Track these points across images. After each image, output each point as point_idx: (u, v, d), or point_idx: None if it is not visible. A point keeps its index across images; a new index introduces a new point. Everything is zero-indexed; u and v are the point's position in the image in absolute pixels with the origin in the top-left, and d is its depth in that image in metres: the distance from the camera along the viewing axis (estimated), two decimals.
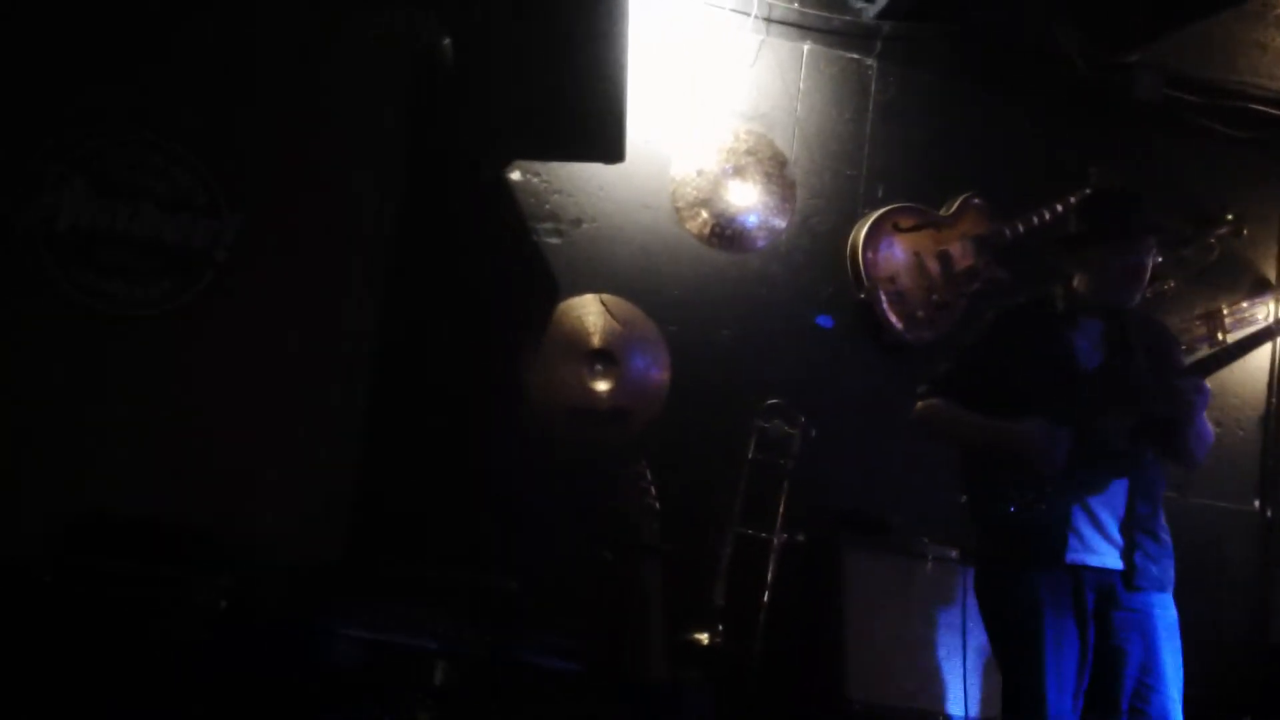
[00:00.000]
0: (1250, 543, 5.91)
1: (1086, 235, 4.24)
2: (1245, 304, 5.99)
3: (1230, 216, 6.00)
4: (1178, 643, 4.09)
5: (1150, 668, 4.02)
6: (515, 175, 5.43)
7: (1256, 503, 5.33)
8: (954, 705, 5.10)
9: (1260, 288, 6.08)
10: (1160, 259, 4.48)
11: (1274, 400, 5.99)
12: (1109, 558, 4.05)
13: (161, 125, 4.49)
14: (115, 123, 4.47)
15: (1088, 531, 4.06)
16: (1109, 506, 4.11)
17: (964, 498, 4.30)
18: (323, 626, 4.23)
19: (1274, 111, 6.10)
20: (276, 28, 4.62)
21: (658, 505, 4.95)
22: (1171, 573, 4.16)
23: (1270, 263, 6.07)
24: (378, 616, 4.37)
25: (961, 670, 5.12)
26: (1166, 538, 4.16)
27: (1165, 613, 4.10)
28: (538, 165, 5.43)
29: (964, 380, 4.31)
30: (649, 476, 4.98)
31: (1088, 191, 5.61)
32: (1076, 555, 4.02)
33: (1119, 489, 4.10)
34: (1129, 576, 4.04)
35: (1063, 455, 4.05)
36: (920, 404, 4.39)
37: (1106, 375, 4.16)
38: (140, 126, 4.48)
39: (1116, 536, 4.08)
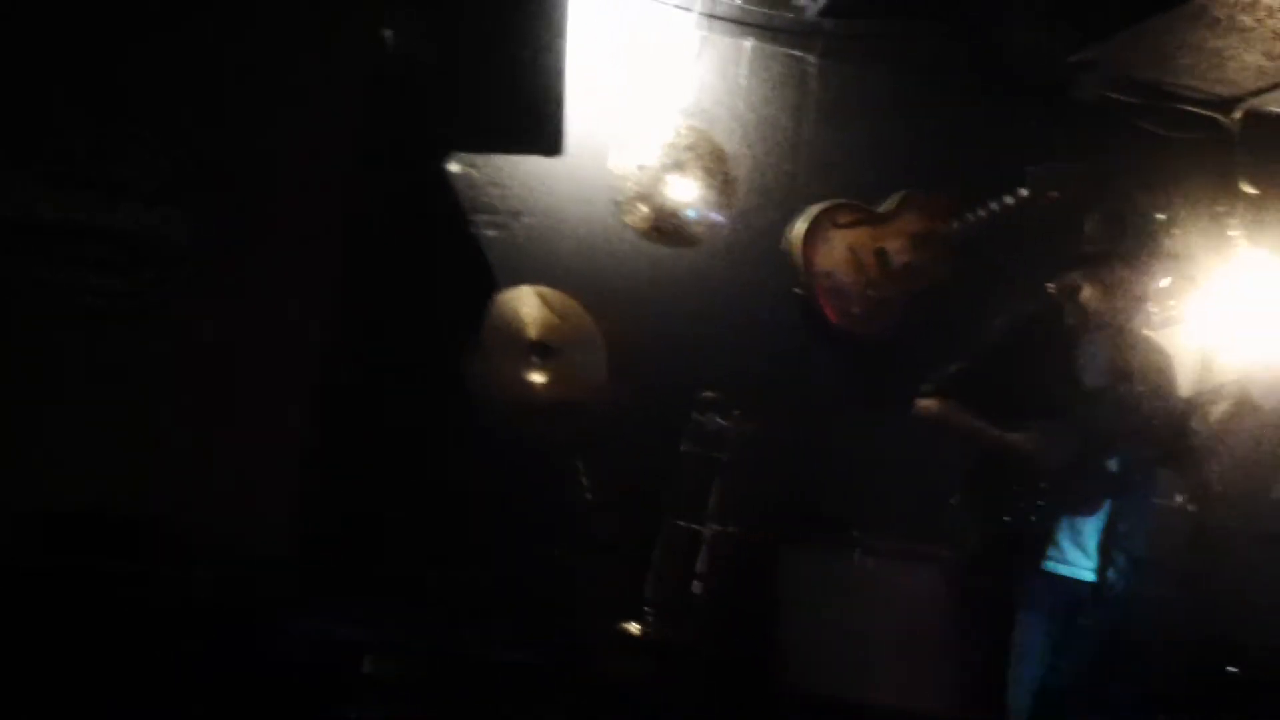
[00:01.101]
0: (1183, 539, 5.98)
1: (1102, 255, 4.39)
2: (1173, 301, 6.05)
3: (1162, 216, 6.06)
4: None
5: (1099, 664, 4.22)
6: (455, 167, 5.43)
7: (1180, 498, 5.40)
8: (886, 695, 5.15)
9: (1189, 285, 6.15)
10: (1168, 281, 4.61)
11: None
12: (1083, 570, 4.25)
13: (115, 113, 4.47)
14: (68, 109, 4.44)
15: (1067, 543, 4.28)
16: (1091, 521, 4.29)
17: (955, 498, 4.44)
18: (271, 622, 4.24)
19: (1208, 113, 6.18)
20: (230, 19, 4.61)
21: (593, 498, 5.00)
22: (1140, 586, 4.34)
23: (1201, 261, 6.12)
24: (324, 612, 4.41)
25: (896, 661, 5.18)
26: (1142, 554, 4.33)
27: (1127, 624, 4.31)
28: (477, 158, 5.44)
29: (970, 383, 4.44)
30: (585, 469, 5.01)
31: (1024, 192, 5.69)
32: (1053, 564, 4.21)
33: (1109, 506, 4.28)
34: (1099, 589, 4.23)
35: (1060, 470, 4.20)
36: (924, 402, 4.54)
37: (1109, 397, 4.32)
38: (94, 113, 4.46)
39: (1094, 551, 4.27)
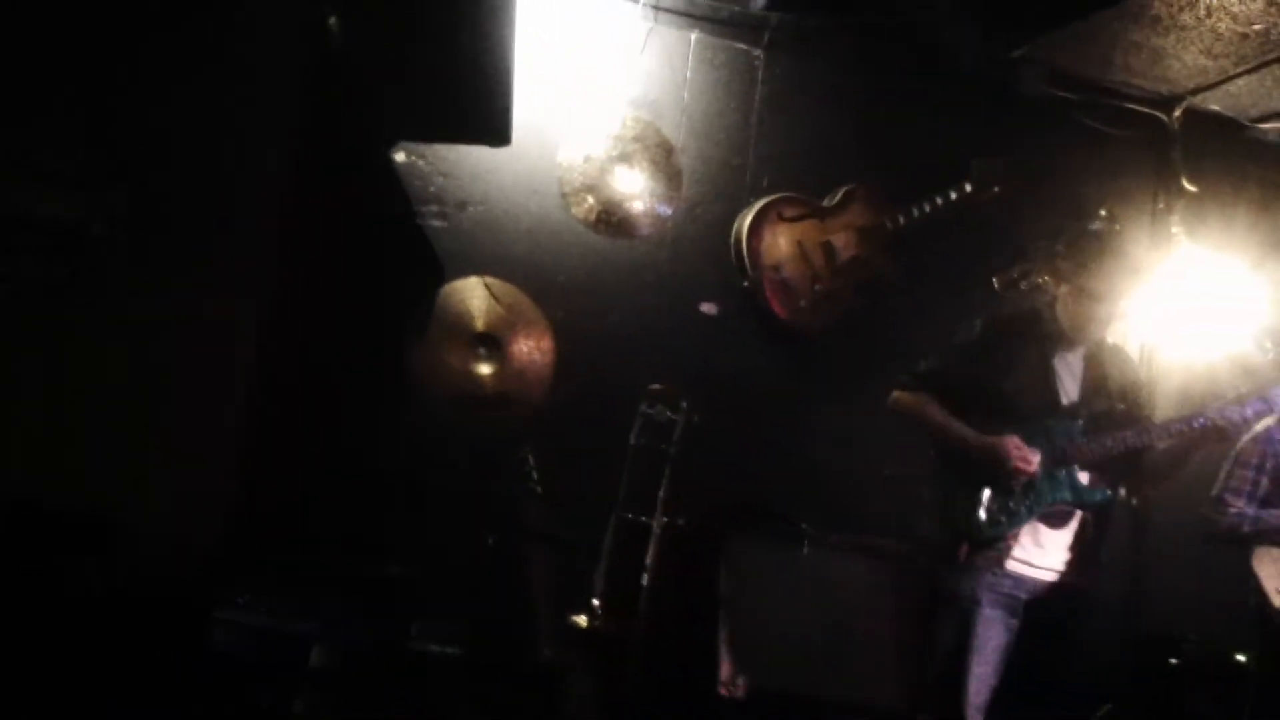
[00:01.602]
0: (1122, 532, 6.04)
1: (1073, 266, 4.45)
2: (1118, 299, 6.12)
3: (1104, 212, 6.12)
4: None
5: (1049, 660, 4.30)
6: (400, 157, 5.38)
7: (1123, 491, 5.44)
8: (832, 689, 5.16)
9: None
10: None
11: (1145, 394, 6.11)
12: (1049, 573, 4.31)
13: (49, 102, 4.38)
14: None
15: (1034, 546, 4.32)
16: (1057, 526, 4.35)
17: (931, 492, 4.46)
18: (202, 613, 4.18)
19: (1149, 111, 6.25)
20: (170, 6, 4.53)
21: (540, 490, 4.96)
22: (1094, 584, 4.42)
23: (1141, 256, 6.18)
24: (258, 603, 4.36)
25: (843, 654, 5.20)
26: (1099, 554, 4.40)
27: (1087, 619, 4.38)
28: (423, 147, 5.40)
29: (946, 380, 4.47)
30: (532, 461, 4.98)
31: (968, 186, 5.73)
32: (1020, 567, 4.27)
33: (1074, 514, 4.35)
34: (1065, 591, 4.29)
35: (1032, 476, 4.26)
36: (899, 393, 4.58)
37: (1082, 410, 4.38)
38: (29, 101, 4.36)
39: (1061, 555, 4.33)
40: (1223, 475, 5.03)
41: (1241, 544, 4.96)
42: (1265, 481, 4.91)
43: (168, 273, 4.47)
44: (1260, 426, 4.96)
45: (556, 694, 4.75)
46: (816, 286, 5.74)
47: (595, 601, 5.01)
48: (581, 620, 4.99)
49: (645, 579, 5.05)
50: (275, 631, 4.33)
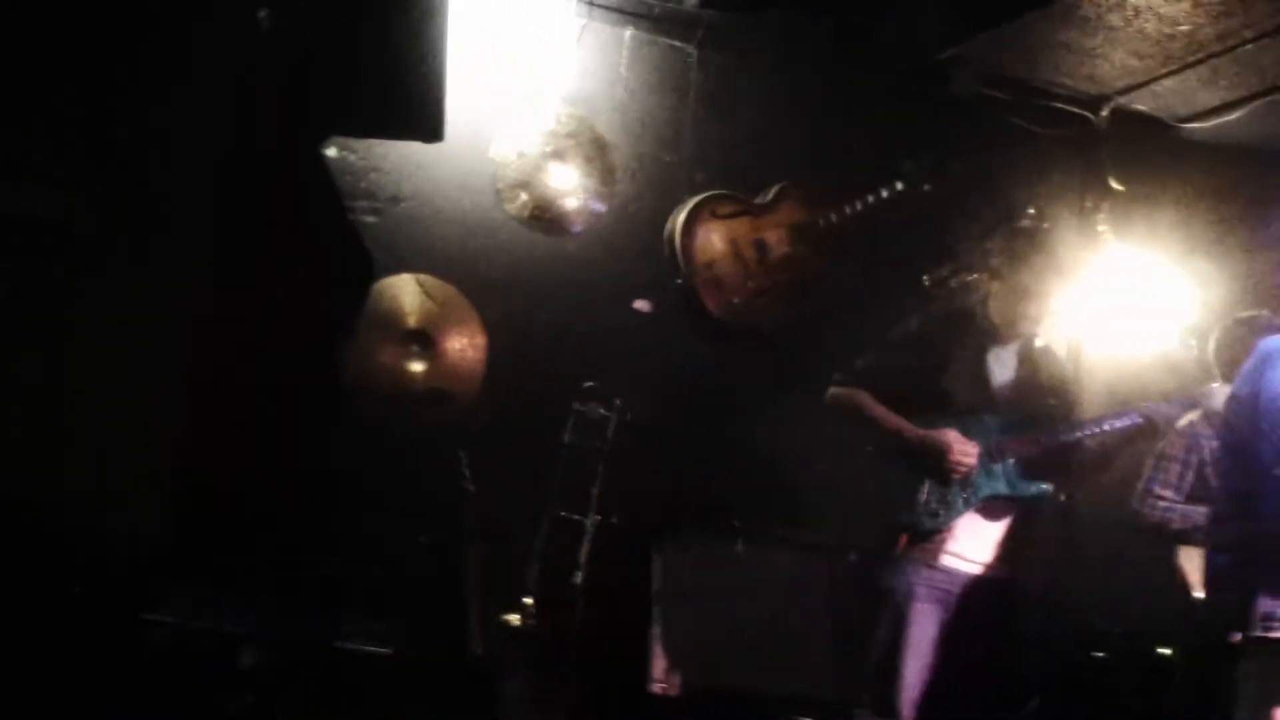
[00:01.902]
0: (1051, 527, 6.10)
1: (1002, 264, 4.51)
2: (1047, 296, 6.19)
3: (1032, 210, 6.19)
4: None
5: (982, 654, 4.40)
6: (332, 152, 5.32)
7: (1050, 486, 5.51)
8: (767, 685, 5.18)
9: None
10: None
11: (1072, 393, 6.18)
12: (984, 567, 4.37)
13: None
14: None
15: (970, 540, 4.37)
16: (991, 520, 4.40)
17: (868, 487, 4.49)
18: (133, 614, 4.13)
19: (1077, 110, 6.32)
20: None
21: (473, 487, 4.94)
22: (1026, 578, 4.47)
23: (1070, 254, 6.25)
24: (189, 602, 4.29)
25: (778, 650, 5.23)
26: (1032, 549, 4.46)
27: (1018, 613, 4.44)
28: (355, 142, 5.34)
29: (882, 376, 4.52)
30: (465, 459, 4.96)
31: (899, 185, 5.77)
32: (956, 561, 4.32)
33: (1006, 507, 4.39)
34: (998, 585, 4.35)
35: (970, 469, 4.31)
36: (837, 389, 4.61)
37: (1015, 405, 4.44)
38: None
39: (996, 549, 4.39)
40: (1150, 470, 5.11)
41: (1169, 538, 5.04)
42: (1191, 476, 5.01)
43: (100, 269, 4.41)
44: (1184, 422, 5.05)
45: (489, 693, 4.74)
46: (750, 284, 5.75)
47: (528, 600, 5.00)
48: (515, 618, 4.97)
49: (579, 577, 5.04)
50: (206, 632, 4.27)
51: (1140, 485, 5.15)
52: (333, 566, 4.61)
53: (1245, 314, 5.03)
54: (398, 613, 4.72)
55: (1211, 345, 5.13)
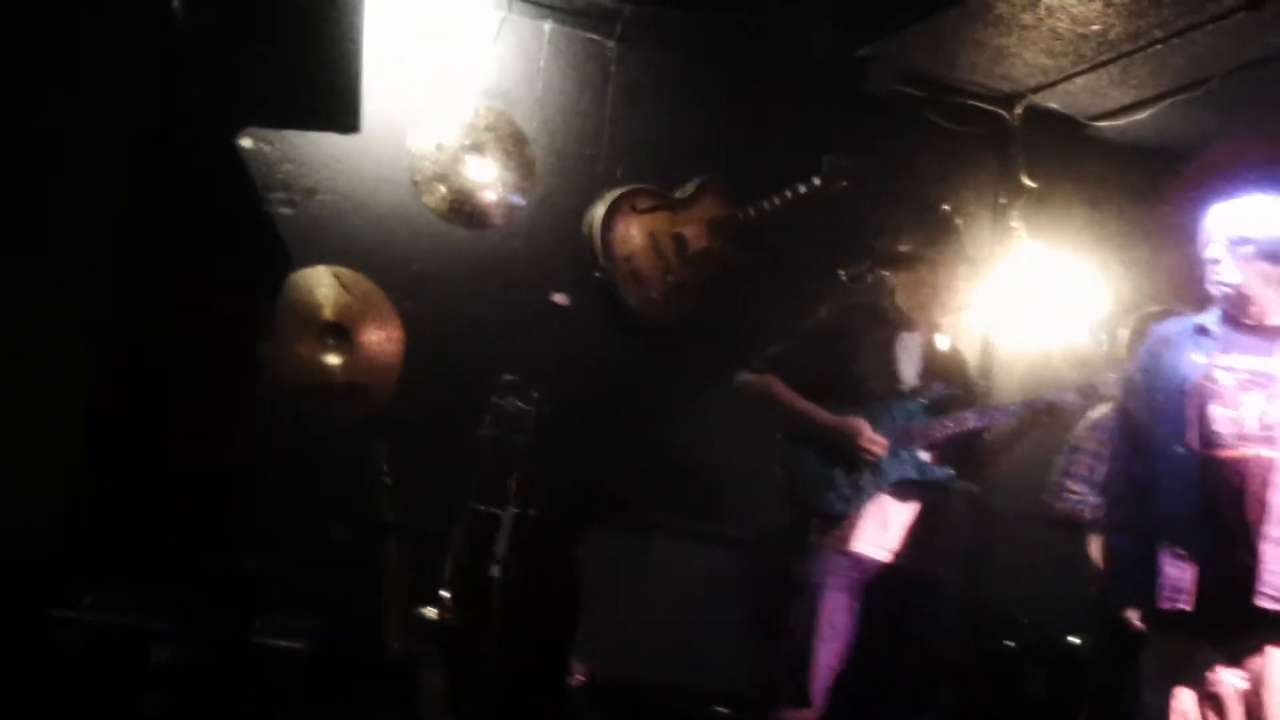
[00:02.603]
0: (961, 517, 6.18)
1: (909, 255, 4.58)
2: (960, 291, 6.25)
3: (946, 206, 6.25)
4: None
5: (894, 642, 4.47)
6: (246, 143, 5.25)
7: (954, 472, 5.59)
8: (684, 677, 5.21)
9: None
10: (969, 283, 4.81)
11: (984, 383, 6.27)
12: (893, 554, 4.42)
13: None
14: None
15: (879, 527, 4.41)
16: (903, 507, 4.45)
17: (780, 474, 4.51)
18: (39, 611, 4.04)
19: (989, 107, 6.40)
20: None
21: (391, 481, 4.91)
22: (936, 567, 4.52)
23: (982, 249, 6.34)
24: (99, 599, 4.23)
25: (695, 642, 5.25)
26: (941, 537, 4.52)
27: (929, 602, 4.50)
28: (270, 133, 5.27)
29: (793, 364, 4.55)
30: (383, 452, 4.93)
31: (817, 181, 5.81)
32: (866, 547, 4.36)
33: (914, 493, 4.45)
34: (908, 573, 4.40)
35: (880, 455, 4.35)
36: (749, 376, 4.64)
37: (922, 392, 4.49)
38: None
39: (905, 536, 4.43)
40: (1063, 461, 5.19)
41: (1081, 529, 5.12)
42: (1102, 468, 5.08)
43: (5, 264, 4.32)
44: (1098, 414, 5.14)
45: (406, 687, 4.71)
46: (669, 278, 5.77)
47: (446, 593, 4.97)
48: (432, 612, 4.94)
49: (497, 570, 5.03)
50: (117, 628, 4.21)
51: (1053, 477, 5.23)
52: (247, 561, 4.55)
53: (1157, 309, 5.12)
54: (314, 608, 4.69)
55: (1125, 339, 5.21)
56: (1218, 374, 3.70)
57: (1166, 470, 3.74)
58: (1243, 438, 3.63)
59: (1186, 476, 3.67)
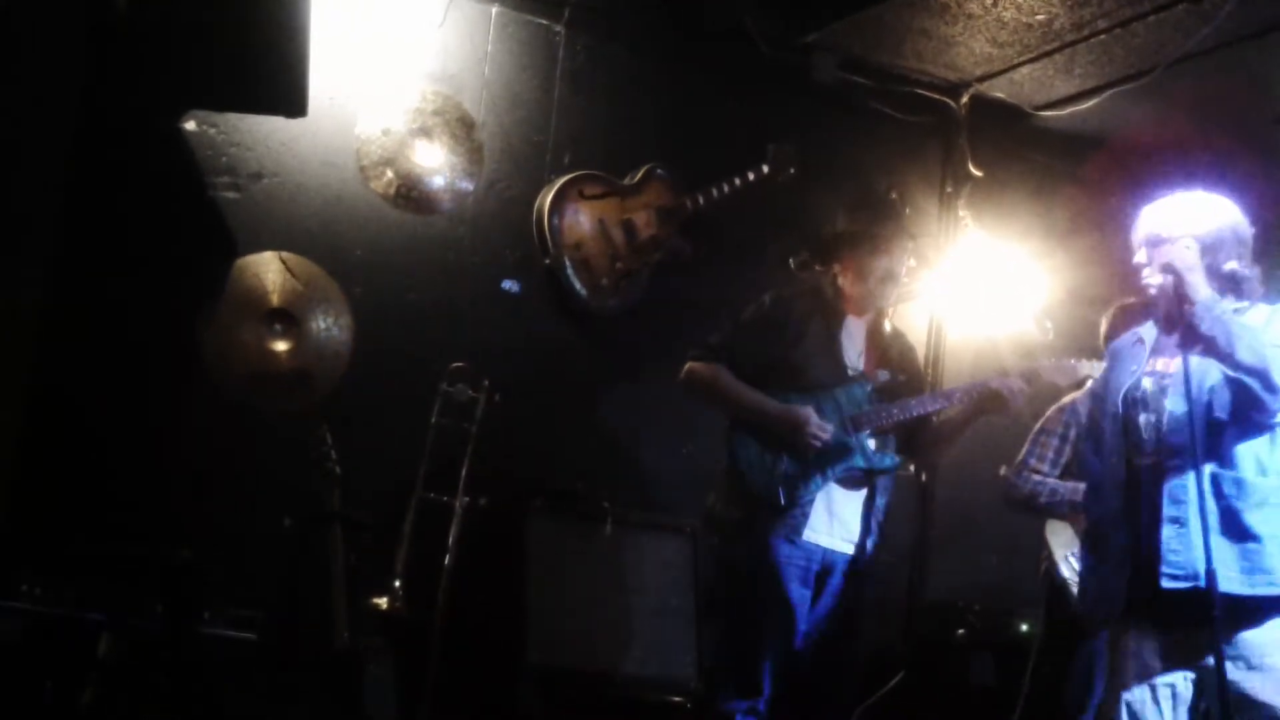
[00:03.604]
0: (909, 504, 6.22)
1: (851, 236, 4.59)
2: (907, 279, 6.29)
3: (893, 194, 6.29)
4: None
5: (841, 630, 4.47)
6: (191, 126, 5.17)
7: (912, 468, 5.61)
8: (632, 666, 5.20)
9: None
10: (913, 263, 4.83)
11: (931, 371, 6.32)
12: (842, 542, 4.42)
13: None
14: None
15: (827, 516, 4.42)
16: (851, 495, 4.46)
17: (727, 464, 4.50)
18: None
19: (936, 96, 6.43)
20: None
21: (339, 470, 4.86)
22: (886, 556, 4.57)
23: (929, 239, 6.37)
24: (43, 590, 4.18)
25: (643, 631, 5.24)
26: (890, 528, 4.56)
27: (874, 590, 4.53)
28: (214, 116, 5.18)
29: (738, 352, 4.54)
30: (330, 441, 4.87)
31: (765, 168, 5.81)
32: (815, 535, 4.36)
33: (862, 481, 4.45)
34: (856, 561, 4.41)
35: (826, 443, 4.35)
36: (693, 365, 4.62)
37: (867, 379, 4.50)
38: None
39: (853, 524, 4.44)
40: (1028, 444, 5.24)
41: (1036, 512, 5.16)
42: (1068, 450, 5.13)
43: None
44: (1066, 399, 5.19)
45: (354, 678, 4.67)
46: (617, 265, 5.75)
47: (396, 584, 4.93)
48: (381, 603, 4.90)
49: (447, 560, 4.99)
50: (61, 620, 4.16)
51: (1018, 458, 5.26)
52: (192, 552, 4.49)
53: (1131, 300, 5.12)
54: (260, 598, 4.65)
55: (1103, 328, 5.23)
56: (1143, 381, 3.75)
57: (1103, 481, 3.81)
58: (1159, 442, 3.67)
59: (1119, 486, 3.73)
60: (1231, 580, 3.50)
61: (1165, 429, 3.67)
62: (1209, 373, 3.63)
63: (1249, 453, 3.61)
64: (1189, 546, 3.55)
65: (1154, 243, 3.76)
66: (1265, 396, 3.53)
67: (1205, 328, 3.54)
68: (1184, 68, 5.69)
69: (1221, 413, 3.61)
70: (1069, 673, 4.98)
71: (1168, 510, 3.60)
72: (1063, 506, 5.03)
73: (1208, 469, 3.58)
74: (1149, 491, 3.66)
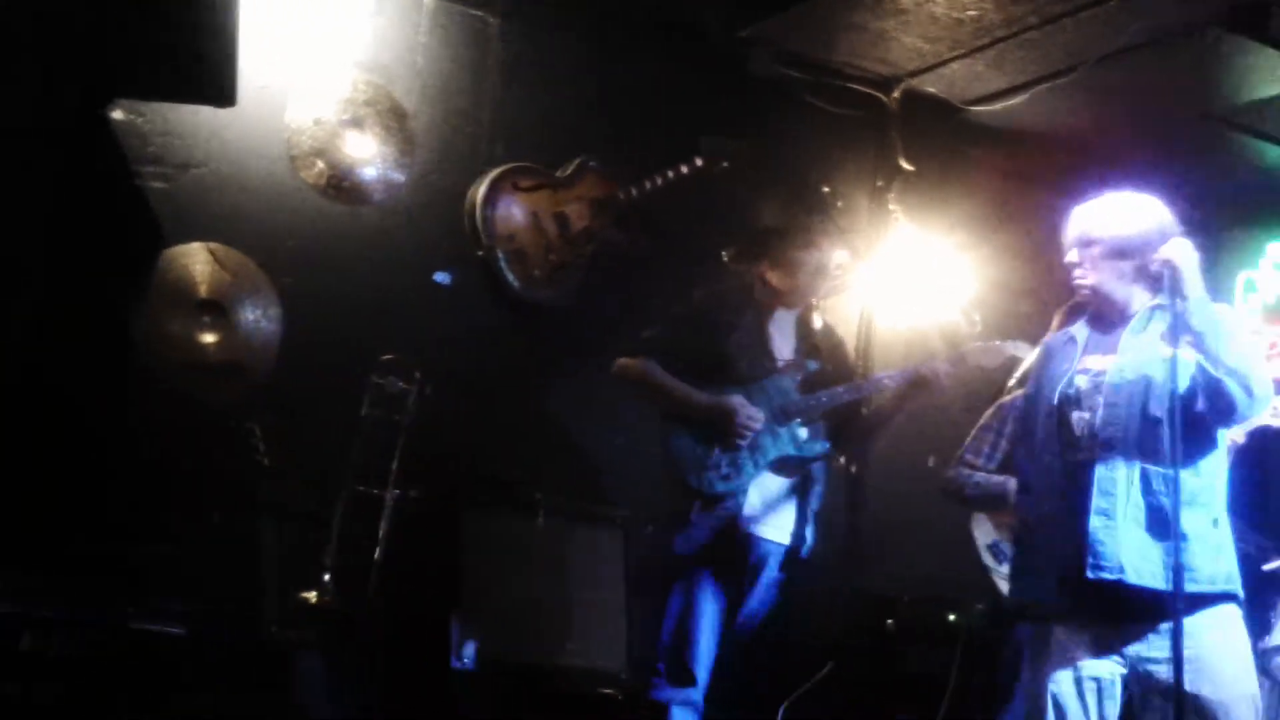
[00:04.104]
0: (839, 494, 6.26)
1: (782, 230, 4.63)
2: (839, 272, 6.32)
3: (826, 188, 6.33)
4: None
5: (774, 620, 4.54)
6: (118, 115, 5.10)
7: (842, 459, 5.65)
8: (565, 657, 5.20)
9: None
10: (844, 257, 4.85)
11: (862, 362, 6.35)
12: (779, 532, 4.46)
13: None
14: None
15: (760, 506, 4.44)
16: (784, 484, 4.49)
17: (661, 456, 4.53)
18: None
19: (869, 90, 6.46)
20: None
21: (269, 463, 4.83)
22: (820, 546, 4.61)
23: (860, 232, 6.41)
24: None
25: (576, 622, 5.24)
26: (822, 516, 4.59)
27: (806, 580, 4.58)
28: (142, 105, 5.09)
29: (669, 346, 4.57)
30: (260, 433, 4.84)
31: (698, 161, 5.83)
32: (751, 525, 4.38)
33: (794, 469, 4.49)
34: (795, 550, 4.45)
35: (757, 432, 4.38)
36: (626, 360, 4.64)
37: (796, 369, 4.54)
38: None
39: (787, 514, 4.48)
40: (970, 438, 5.29)
41: (964, 505, 5.21)
42: (1004, 445, 5.17)
43: None
44: (1007, 397, 5.23)
45: (287, 672, 4.64)
46: (550, 257, 5.74)
47: (325, 577, 4.91)
48: (312, 596, 4.87)
49: (378, 553, 4.97)
50: None
51: (958, 452, 5.32)
52: (122, 545, 4.45)
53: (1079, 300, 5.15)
54: (190, 592, 4.59)
55: (1054, 325, 5.27)
56: (1076, 379, 3.80)
57: (1036, 476, 3.86)
58: (1093, 438, 3.72)
59: (1053, 483, 3.77)
60: (1156, 577, 3.56)
61: (1098, 425, 3.71)
62: (1151, 365, 3.68)
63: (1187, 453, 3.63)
64: (1115, 540, 3.60)
65: (1085, 243, 3.81)
66: (1242, 400, 3.58)
67: (1197, 323, 3.58)
68: (1113, 64, 5.75)
69: (1158, 410, 3.65)
70: (998, 661, 5.04)
71: (1097, 502, 3.64)
72: (987, 499, 5.07)
73: (1138, 465, 3.64)
74: (1083, 487, 3.69)
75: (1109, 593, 3.61)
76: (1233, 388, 3.57)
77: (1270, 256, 7.23)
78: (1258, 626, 5.00)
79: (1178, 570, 3.48)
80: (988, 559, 5.10)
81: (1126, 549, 3.56)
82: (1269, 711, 4.92)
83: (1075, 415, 3.77)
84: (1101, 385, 3.74)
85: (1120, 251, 3.81)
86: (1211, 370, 3.59)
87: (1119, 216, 3.82)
